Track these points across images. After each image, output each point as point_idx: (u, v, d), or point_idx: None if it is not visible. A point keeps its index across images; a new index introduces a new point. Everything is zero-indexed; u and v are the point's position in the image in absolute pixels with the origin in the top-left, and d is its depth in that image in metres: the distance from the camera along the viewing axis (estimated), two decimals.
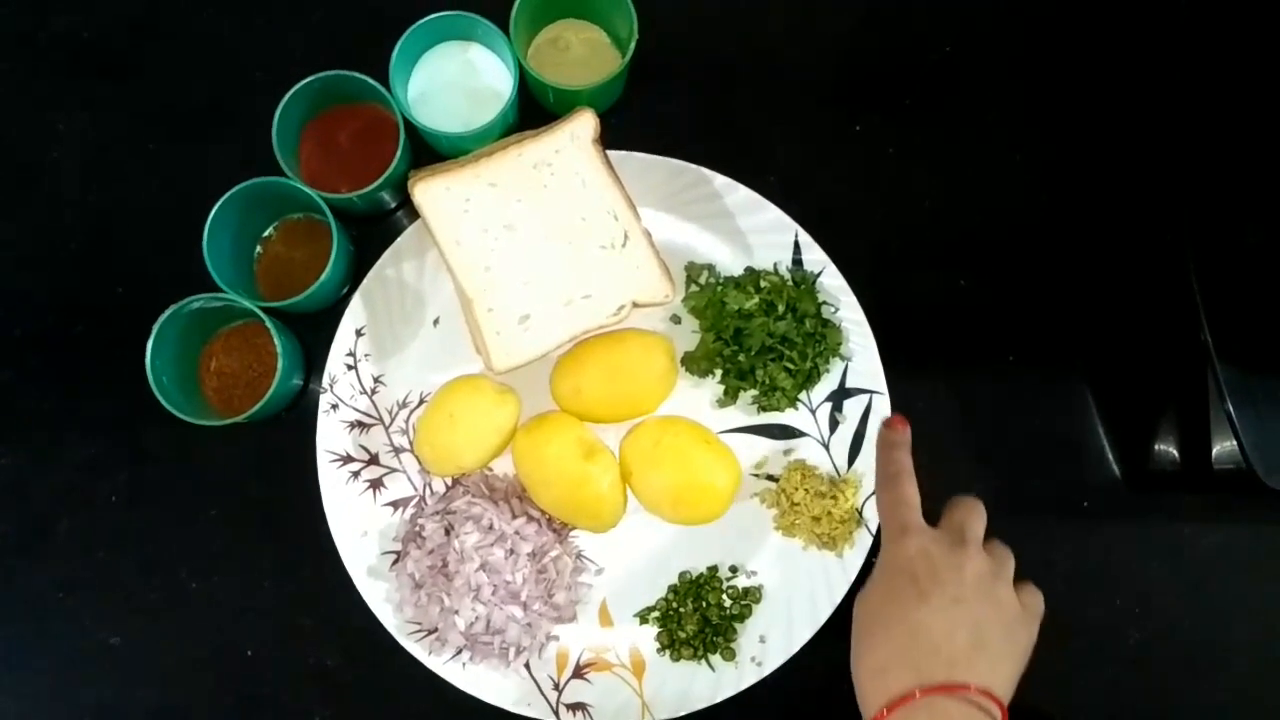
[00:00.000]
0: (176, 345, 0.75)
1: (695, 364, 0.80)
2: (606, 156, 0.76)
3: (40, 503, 0.80)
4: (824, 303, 0.79)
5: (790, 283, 0.79)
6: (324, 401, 0.78)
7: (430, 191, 0.73)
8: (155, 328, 0.72)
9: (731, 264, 0.81)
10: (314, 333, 0.80)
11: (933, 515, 0.80)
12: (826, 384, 0.80)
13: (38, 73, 0.84)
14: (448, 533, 0.76)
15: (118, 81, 0.84)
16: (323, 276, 0.73)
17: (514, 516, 0.76)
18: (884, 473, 0.74)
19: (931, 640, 0.63)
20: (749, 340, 0.78)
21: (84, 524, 0.80)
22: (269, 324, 0.73)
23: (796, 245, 0.79)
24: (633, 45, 0.74)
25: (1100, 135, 0.85)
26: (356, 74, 0.74)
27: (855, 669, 0.66)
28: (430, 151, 0.80)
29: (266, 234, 0.80)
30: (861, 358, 0.79)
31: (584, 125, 0.75)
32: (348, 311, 0.78)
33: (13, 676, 0.79)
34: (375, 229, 0.82)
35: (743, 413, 0.81)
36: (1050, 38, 0.86)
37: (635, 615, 0.79)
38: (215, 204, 0.72)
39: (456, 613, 0.74)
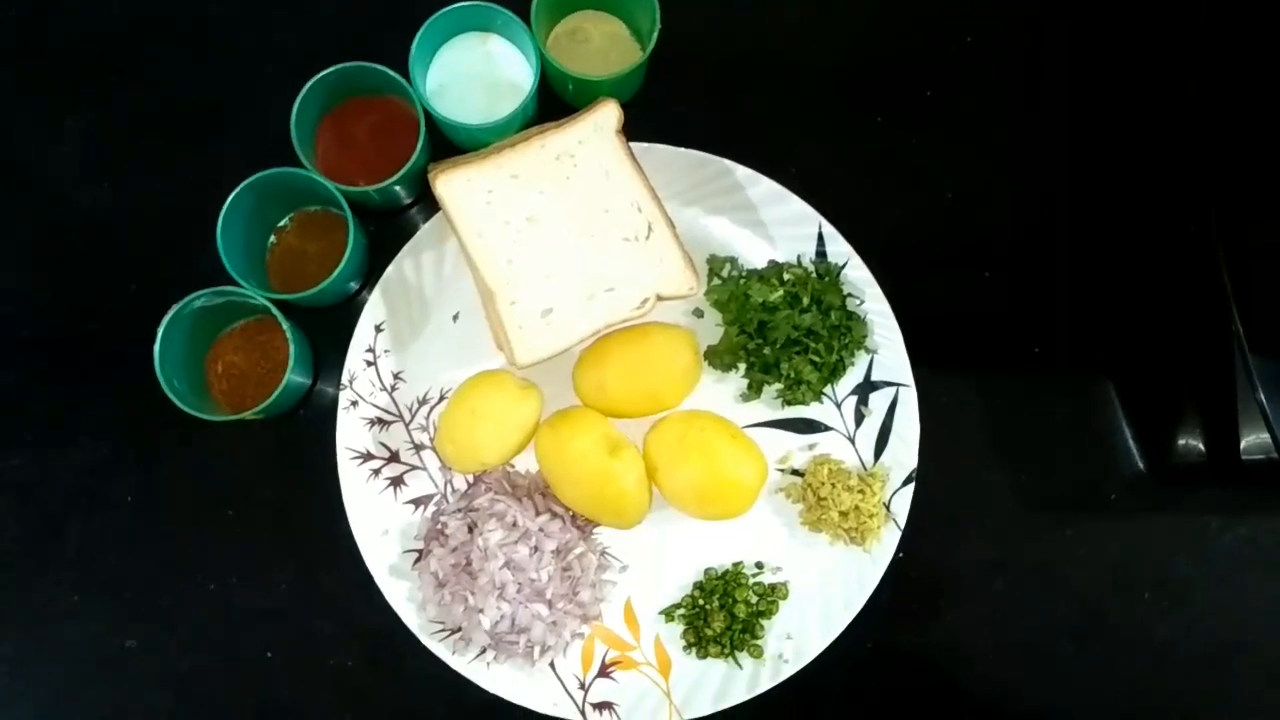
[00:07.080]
0: (184, 347, 0.73)
1: (719, 358, 0.79)
2: (629, 148, 0.75)
3: (52, 505, 0.79)
4: (849, 295, 0.78)
5: (814, 275, 0.78)
6: (343, 398, 0.77)
7: (452, 184, 0.72)
8: (160, 331, 0.70)
9: (754, 257, 0.80)
10: (321, 331, 0.79)
11: (945, 509, 0.80)
12: (851, 377, 0.79)
13: (42, 70, 0.83)
14: (471, 530, 0.74)
15: (124, 77, 0.82)
16: (338, 269, 0.72)
17: (537, 513, 0.75)
18: None
19: None
20: (773, 333, 0.77)
21: (96, 526, 0.79)
22: (276, 313, 0.72)
23: (820, 237, 0.78)
24: (655, 37, 0.73)
25: (1123, 126, 0.85)
26: (376, 65, 0.72)
27: None
28: (447, 145, 0.79)
29: (281, 224, 0.78)
30: (887, 350, 0.78)
31: (607, 116, 0.74)
32: (367, 306, 0.77)
33: (26, 681, 0.78)
34: (388, 225, 0.81)
35: (766, 407, 0.80)
36: (1072, 27, 0.86)
37: (661, 613, 0.78)
38: (229, 196, 0.71)
39: (481, 611, 0.72)
